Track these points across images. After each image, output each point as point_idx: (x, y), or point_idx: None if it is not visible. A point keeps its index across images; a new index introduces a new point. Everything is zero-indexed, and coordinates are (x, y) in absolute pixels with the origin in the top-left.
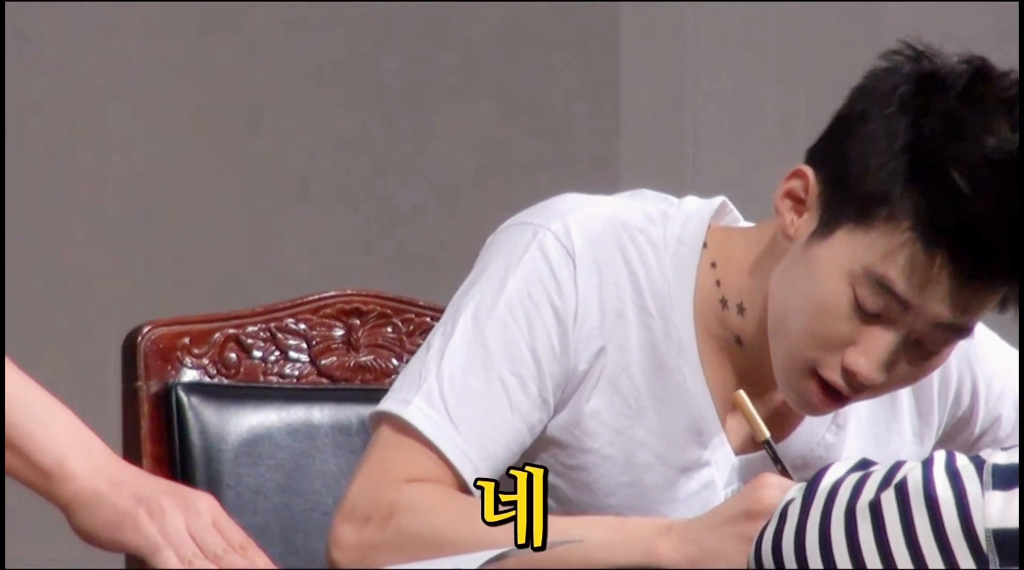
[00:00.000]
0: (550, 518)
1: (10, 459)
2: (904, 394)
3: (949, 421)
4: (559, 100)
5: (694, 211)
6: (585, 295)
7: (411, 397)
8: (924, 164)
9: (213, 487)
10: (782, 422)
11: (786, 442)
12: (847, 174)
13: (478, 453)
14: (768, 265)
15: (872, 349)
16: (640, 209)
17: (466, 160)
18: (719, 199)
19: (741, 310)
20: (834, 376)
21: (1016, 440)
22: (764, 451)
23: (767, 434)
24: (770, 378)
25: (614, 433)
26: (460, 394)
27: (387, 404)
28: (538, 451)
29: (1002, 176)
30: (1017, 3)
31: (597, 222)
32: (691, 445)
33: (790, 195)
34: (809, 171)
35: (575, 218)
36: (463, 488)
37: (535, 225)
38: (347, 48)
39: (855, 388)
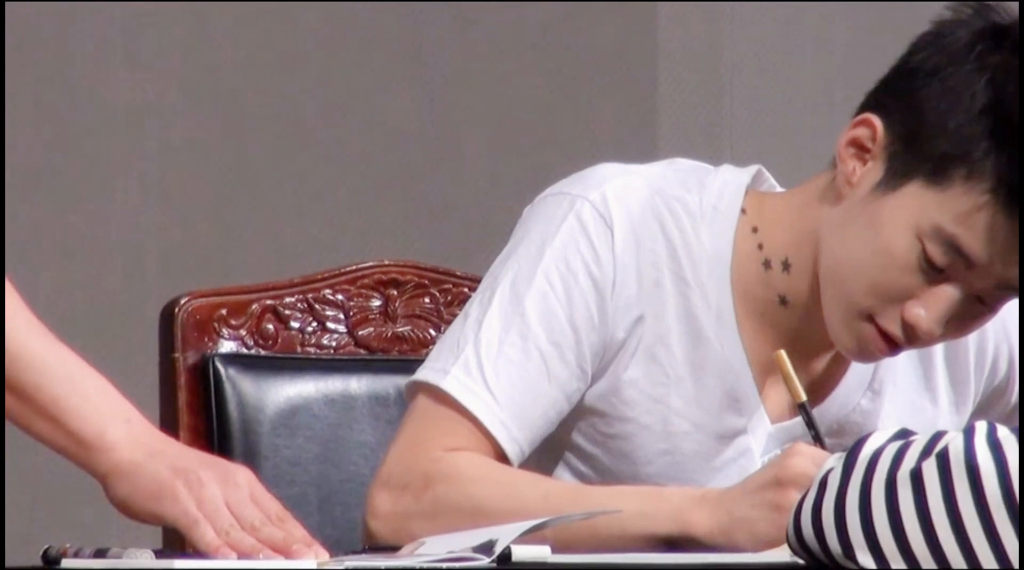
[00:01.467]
0: (585, 488)
1: (47, 428)
2: (939, 364)
3: (986, 391)
4: (597, 79)
5: (730, 179)
6: (623, 264)
7: (448, 367)
8: (1005, 128)
9: (250, 458)
10: (819, 387)
11: (822, 407)
12: (922, 130)
13: (515, 422)
14: (816, 219)
15: (934, 304)
16: (676, 177)
17: (505, 134)
18: (755, 167)
19: (787, 267)
20: (892, 327)
21: None
22: (800, 417)
23: (804, 396)
24: (815, 339)
25: (651, 402)
26: (497, 363)
27: (424, 374)
28: (576, 420)
29: None
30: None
31: (634, 191)
32: (728, 413)
33: (855, 143)
34: (877, 121)
35: (612, 187)
36: (500, 457)
37: (572, 195)
38: (389, 27)
39: (911, 339)
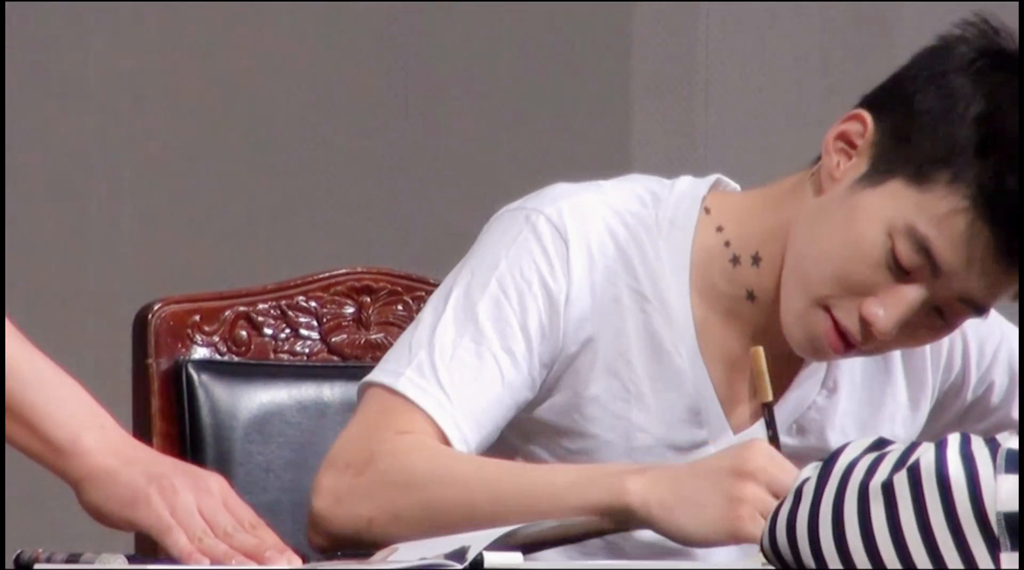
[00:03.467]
0: (520, 463)
1: (22, 434)
2: (897, 360)
3: (942, 387)
4: (572, 87)
5: (687, 190)
6: (578, 278)
7: (402, 369)
8: (996, 139)
9: (223, 465)
10: (775, 387)
11: (778, 406)
12: (912, 130)
13: (468, 423)
14: (788, 212)
15: (893, 304)
16: (632, 192)
17: (478, 140)
18: (713, 177)
19: (757, 261)
20: (847, 320)
21: (1010, 409)
22: (762, 423)
23: (770, 396)
24: (780, 337)
25: (613, 418)
26: (451, 366)
27: (377, 375)
28: (537, 434)
29: None
30: (1017, 3)
31: (590, 208)
32: (689, 425)
33: (843, 137)
34: (868, 117)
35: (568, 204)
36: None
37: (528, 209)
38: (364, 34)
39: (866, 338)
